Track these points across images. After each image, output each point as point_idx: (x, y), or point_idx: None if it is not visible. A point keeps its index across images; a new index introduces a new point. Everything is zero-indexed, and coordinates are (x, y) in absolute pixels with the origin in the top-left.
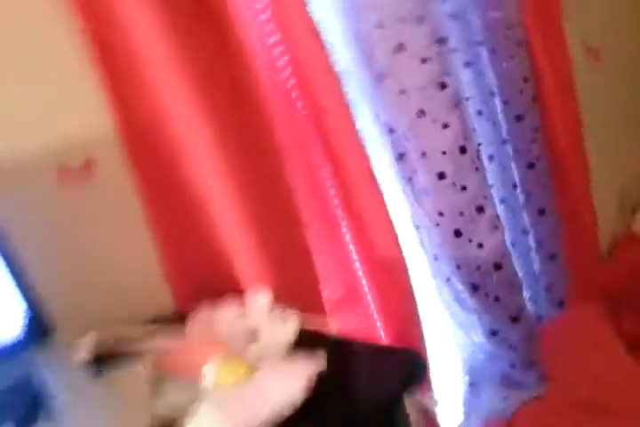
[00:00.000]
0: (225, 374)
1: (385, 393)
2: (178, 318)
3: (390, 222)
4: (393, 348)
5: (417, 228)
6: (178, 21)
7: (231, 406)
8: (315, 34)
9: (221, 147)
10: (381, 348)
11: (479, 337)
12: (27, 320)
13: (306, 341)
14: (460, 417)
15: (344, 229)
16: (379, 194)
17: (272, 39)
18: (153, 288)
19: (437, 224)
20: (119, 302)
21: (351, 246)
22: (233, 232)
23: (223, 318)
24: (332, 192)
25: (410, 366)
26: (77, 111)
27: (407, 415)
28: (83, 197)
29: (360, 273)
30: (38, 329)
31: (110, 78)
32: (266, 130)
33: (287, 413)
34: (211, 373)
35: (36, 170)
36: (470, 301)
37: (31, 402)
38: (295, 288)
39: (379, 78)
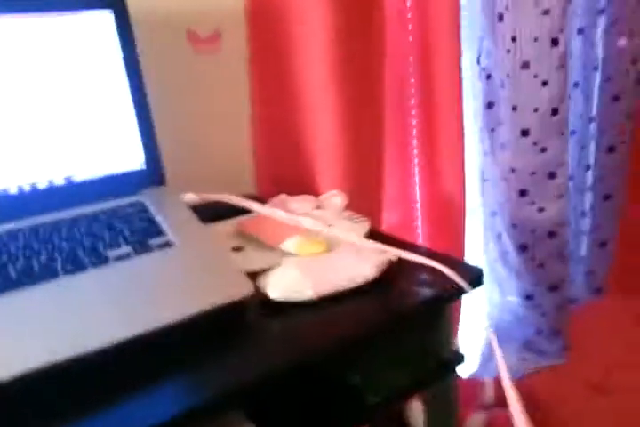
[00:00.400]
0: (306, 247)
1: (440, 294)
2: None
3: (462, 163)
4: (457, 259)
5: (484, 180)
6: None
7: (311, 267)
8: None
9: (334, 50)
10: (446, 257)
11: (513, 298)
12: (145, 162)
13: (375, 240)
14: (474, 368)
15: (415, 160)
16: (460, 133)
17: None
18: (241, 171)
19: (506, 180)
20: (209, 175)
21: (417, 179)
22: (324, 135)
23: (300, 206)
24: (414, 122)
25: (469, 276)
26: None
27: (450, 322)
28: (204, 64)
29: (418, 206)
30: (152, 175)
31: None
32: (378, 46)
33: (359, 284)
34: (293, 243)
35: (169, 28)
36: (515, 261)
37: (144, 231)
38: (362, 204)
39: (495, 20)
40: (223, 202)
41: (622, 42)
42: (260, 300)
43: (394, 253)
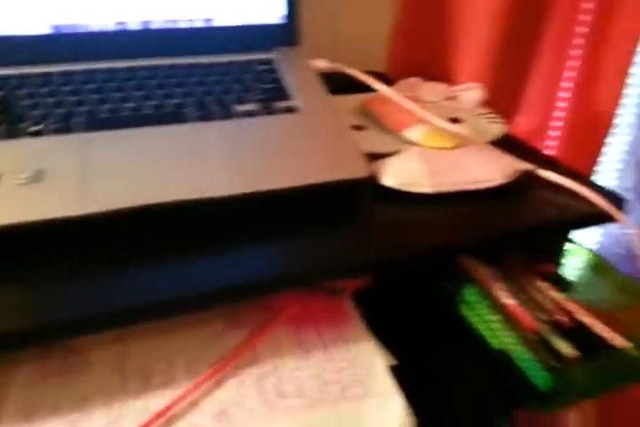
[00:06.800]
0: (433, 138)
1: (580, 217)
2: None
3: (620, 88)
4: (600, 186)
5: None
6: None
7: (434, 161)
8: None
9: None
10: (589, 180)
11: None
12: (285, 17)
13: (510, 147)
14: None
15: (568, 63)
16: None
17: None
18: (375, 45)
19: None
20: (341, 43)
21: (565, 95)
22: (473, 19)
23: (430, 94)
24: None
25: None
26: None
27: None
28: None
29: (559, 114)
30: (289, 32)
31: None
32: None
33: (483, 189)
34: (420, 132)
35: None
36: None
37: (271, 92)
38: (500, 102)
39: None
40: (351, 75)
41: None
42: (374, 184)
43: (529, 165)
